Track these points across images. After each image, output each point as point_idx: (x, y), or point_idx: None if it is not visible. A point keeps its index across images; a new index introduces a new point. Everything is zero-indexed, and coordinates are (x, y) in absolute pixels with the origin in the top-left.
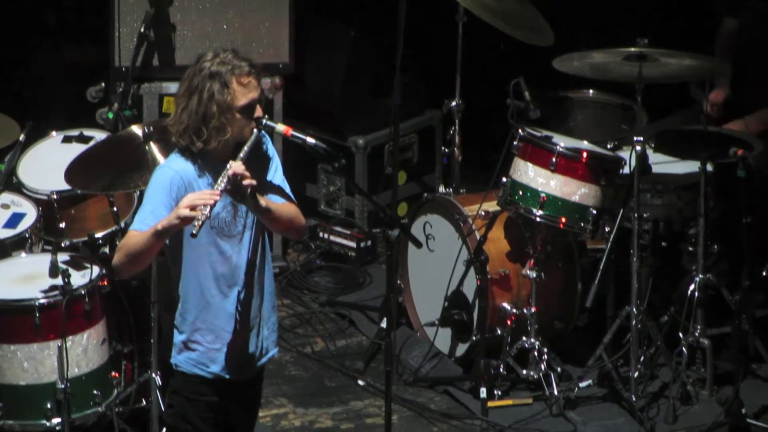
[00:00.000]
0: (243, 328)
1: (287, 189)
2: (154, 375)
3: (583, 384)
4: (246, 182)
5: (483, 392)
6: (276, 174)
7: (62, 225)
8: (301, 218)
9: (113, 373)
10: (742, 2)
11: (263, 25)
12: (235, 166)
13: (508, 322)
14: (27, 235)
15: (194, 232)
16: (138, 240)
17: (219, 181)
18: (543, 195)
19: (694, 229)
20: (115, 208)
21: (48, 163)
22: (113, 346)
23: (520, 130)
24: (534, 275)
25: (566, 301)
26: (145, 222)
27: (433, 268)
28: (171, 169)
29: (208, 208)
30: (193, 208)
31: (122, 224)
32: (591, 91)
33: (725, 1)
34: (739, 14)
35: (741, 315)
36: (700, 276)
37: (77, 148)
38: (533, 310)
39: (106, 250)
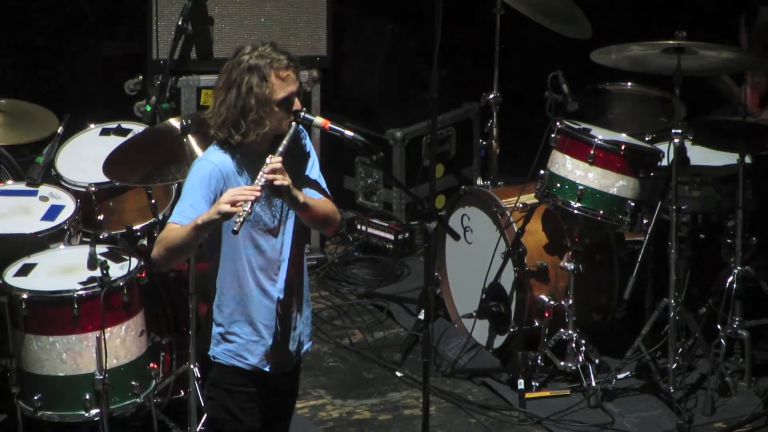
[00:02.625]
0: (280, 321)
1: (323, 184)
2: (192, 366)
3: (620, 375)
4: (277, 183)
5: (521, 384)
6: (313, 169)
7: (100, 217)
8: (337, 214)
9: (151, 365)
10: None
11: (301, 18)
12: (273, 161)
13: (546, 314)
14: (65, 227)
15: (235, 228)
16: (177, 234)
17: (259, 177)
18: (581, 187)
19: (733, 221)
20: (153, 201)
21: (86, 155)
22: (151, 338)
23: (558, 123)
24: (572, 267)
25: (604, 293)
26: (185, 215)
27: (471, 260)
28: (210, 162)
29: (249, 204)
30: (233, 204)
31: (160, 216)
32: (629, 83)
33: None
34: None
35: None
36: (739, 268)
37: (115, 141)
38: (571, 302)
39: (144, 242)
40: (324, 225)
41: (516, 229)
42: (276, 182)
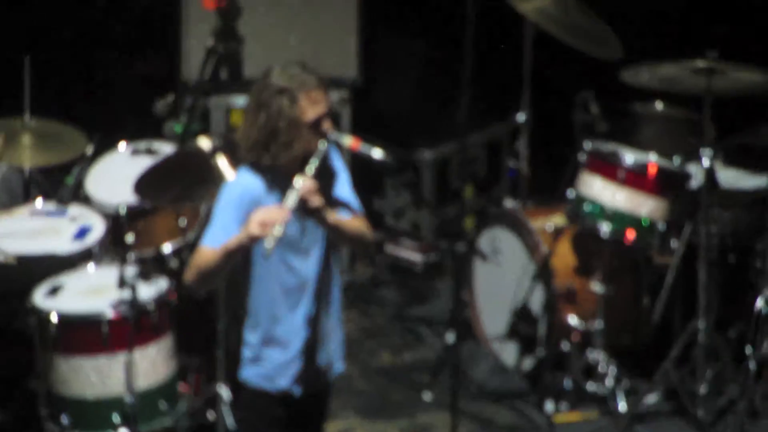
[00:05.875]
0: (311, 342)
1: (355, 203)
2: (221, 387)
3: (649, 399)
4: (313, 201)
5: (549, 406)
6: (344, 188)
7: (130, 238)
8: (369, 232)
9: (181, 386)
10: None
11: (331, 38)
12: (304, 183)
13: (575, 337)
14: (95, 248)
15: (267, 252)
16: (210, 258)
17: (288, 198)
18: (610, 209)
19: (762, 243)
20: (183, 221)
21: (116, 176)
22: (181, 359)
23: (587, 144)
24: (601, 289)
25: (633, 316)
26: (216, 239)
27: (500, 282)
28: (239, 185)
29: (280, 226)
30: (263, 225)
31: (190, 237)
32: (659, 104)
33: None
34: None
35: None
36: None
37: (145, 161)
38: (600, 324)
39: (174, 263)
40: (356, 243)
41: (545, 251)
42: (310, 203)
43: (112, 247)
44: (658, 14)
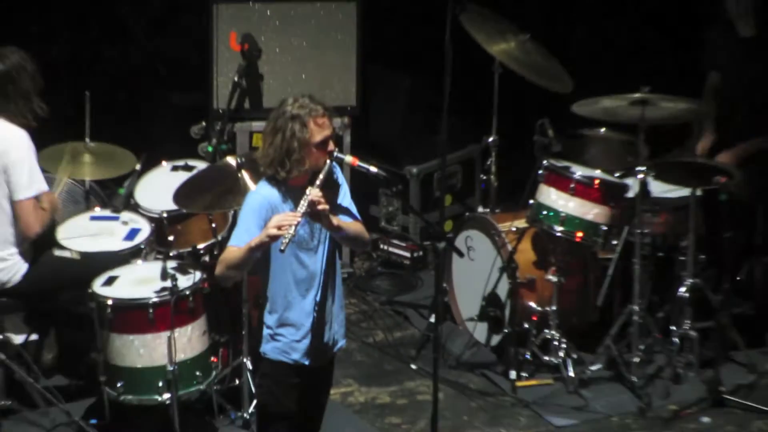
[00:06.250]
0: (318, 323)
1: (354, 210)
2: (245, 360)
3: (593, 367)
4: (320, 207)
5: (513, 374)
6: (345, 197)
7: (171, 238)
8: (366, 234)
9: (212, 358)
10: (719, 60)
11: (335, 74)
12: (313, 193)
13: (534, 318)
14: (142, 247)
15: (282, 248)
16: (235, 255)
17: (300, 205)
18: (563, 214)
19: (686, 242)
20: (213, 225)
21: (159, 187)
22: (212, 336)
23: (544, 161)
24: (555, 280)
25: (581, 301)
26: (241, 239)
27: (473, 274)
28: (260, 194)
29: (293, 228)
30: (279, 227)
31: (219, 237)
32: (603, 129)
33: (709, 60)
34: (719, 69)
35: (722, 312)
36: (690, 280)
37: (183, 176)
38: (554, 308)
39: (206, 258)
40: (355, 243)
41: (510, 248)
42: (318, 207)
43: (156, 246)
44: (601, 56)
